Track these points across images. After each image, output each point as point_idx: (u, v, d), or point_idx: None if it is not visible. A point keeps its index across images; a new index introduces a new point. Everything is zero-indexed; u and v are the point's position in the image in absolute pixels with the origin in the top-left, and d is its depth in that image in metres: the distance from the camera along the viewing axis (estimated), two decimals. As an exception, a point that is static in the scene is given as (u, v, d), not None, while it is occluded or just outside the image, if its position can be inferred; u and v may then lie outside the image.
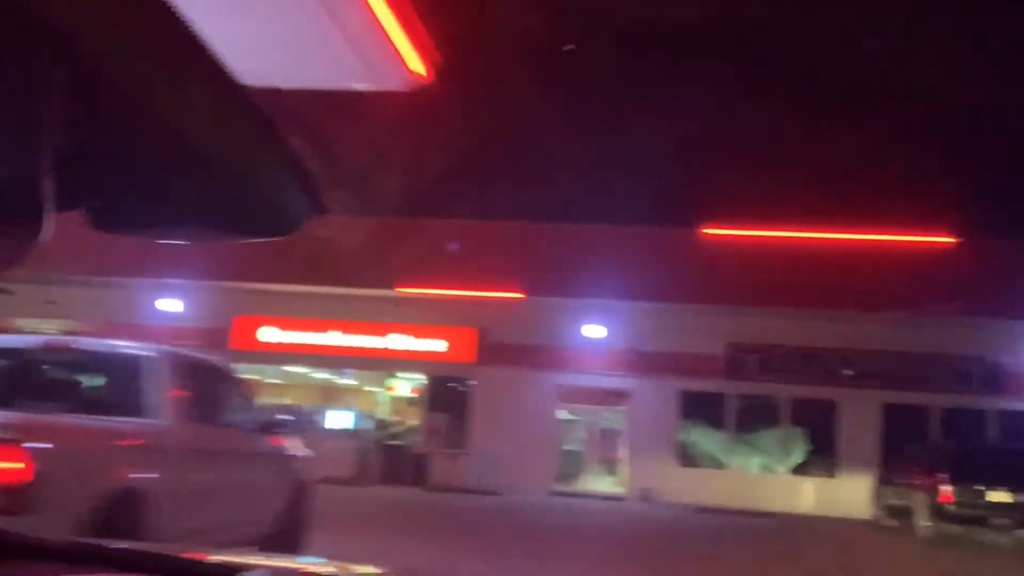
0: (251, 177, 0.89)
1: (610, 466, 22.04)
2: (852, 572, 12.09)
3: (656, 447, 21.41)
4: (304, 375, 24.36)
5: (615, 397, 21.91)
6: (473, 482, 21.28)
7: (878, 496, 18.90)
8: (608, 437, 21.69)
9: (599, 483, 22.03)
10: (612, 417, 22.59)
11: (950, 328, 20.44)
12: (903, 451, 18.45)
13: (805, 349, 21.12)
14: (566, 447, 21.93)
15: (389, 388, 23.17)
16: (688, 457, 21.40)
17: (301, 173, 0.92)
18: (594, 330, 21.72)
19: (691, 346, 21.54)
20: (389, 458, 21.74)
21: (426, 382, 22.78)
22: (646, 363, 21.62)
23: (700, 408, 21.66)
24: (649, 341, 21.82)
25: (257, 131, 0.87)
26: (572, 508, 18.88)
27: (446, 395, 22.74)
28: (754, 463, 21.40)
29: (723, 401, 21.38)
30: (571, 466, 21.88)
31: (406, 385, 23.11)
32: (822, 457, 21.04)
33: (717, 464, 21.36)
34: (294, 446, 8.57)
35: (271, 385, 23.88)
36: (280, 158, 0.90)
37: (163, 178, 0.87)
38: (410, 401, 23.68)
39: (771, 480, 21.00)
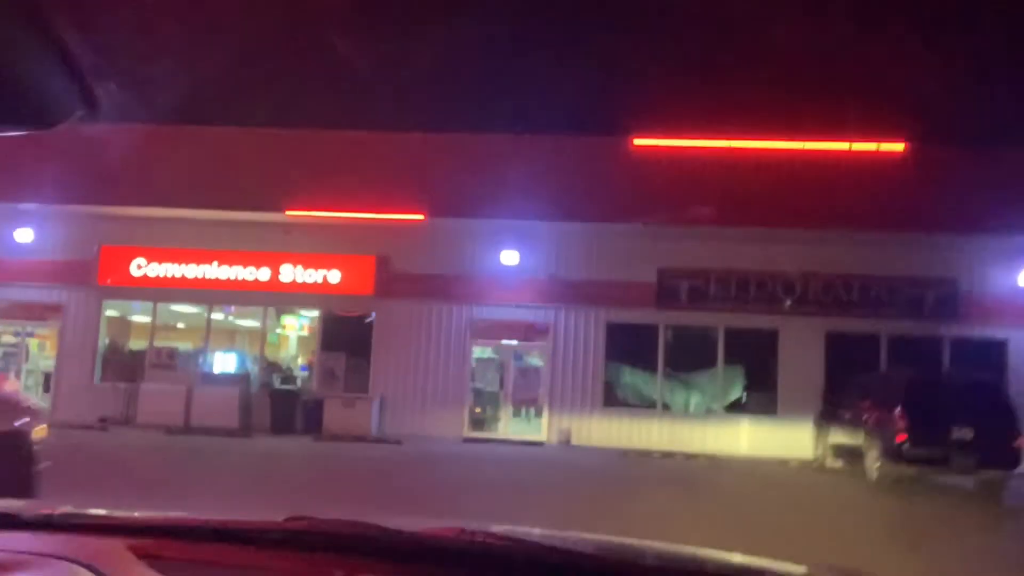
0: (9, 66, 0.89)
1: (529, 408, 19.75)
2: (798, 517, 9.95)
3: (580, 387, 19.15)
4: (190, 314, 21.46)
5: (534, 332, 19.54)
6: (373, 429, 18.83)
7: (821, 435, 16.95)
8: (526, 376, 19.38)
9: (516, 427, 19.75)
10: (531, 354, 20.27)
11: (900, 247, 18.40)
12: (850, 384, 16.45)
13: (742, 273, 18.92)
14: (479, 388, 19.55)
15: (283, 327, 20.45)
16: (615, 397, 19.17)
17: (68, 67, 0.91)
18: (510, 256, 19.22)
19: (618, 273, 19.22)
20: (279, 405, 19.11)
21: (319, 319, 20.09)
22: (568, 293, 19.24)
23: (628, 343, 19.41)
24: (571, 268, 19.43)
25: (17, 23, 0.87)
26: (481, 455, 16.56)
27: (343, 333, 20.12)
28: (688, 402, 19.29)
29: (654, 334, 19.14)
30: (485, 409, 19.53)
31: (299, 323, 20.39)
32: (762, 394, 19.01)
33: (648, 404, 19.19)
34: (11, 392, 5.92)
35: (147, 326, 20.95)
36: (44, 51, 0.89)
37: None
38: (305, 341, 21.01)
39: (706, 421, 18.91)
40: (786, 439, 18.38)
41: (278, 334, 20.64)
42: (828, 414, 16.90)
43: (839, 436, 15.99)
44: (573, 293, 19.25)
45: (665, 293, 19.02)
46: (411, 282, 19.41)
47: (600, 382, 19.14)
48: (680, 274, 19.04)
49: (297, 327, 20.23)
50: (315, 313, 20.13)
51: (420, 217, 18.52)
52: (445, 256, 19.56)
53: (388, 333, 19.67)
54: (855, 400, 15.71)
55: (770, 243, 18.63)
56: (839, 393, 16.85)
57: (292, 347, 21.44)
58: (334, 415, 18.74)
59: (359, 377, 19.65)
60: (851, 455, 15.30)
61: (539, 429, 19.36)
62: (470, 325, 19.58)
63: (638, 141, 18.14)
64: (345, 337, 20.03)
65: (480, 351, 20.07)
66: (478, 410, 19.52)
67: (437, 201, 18.55)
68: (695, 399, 19.14)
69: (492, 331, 19.65)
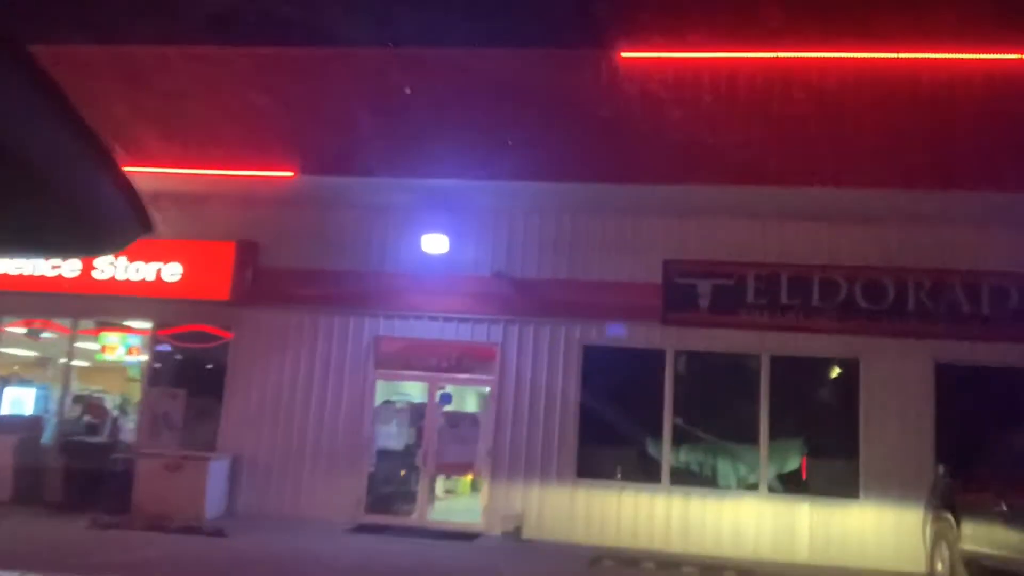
0: (80, 196, 0.88)
1: (460, 479, 12.79)
2: None
3: (540, 446, 12.11)
4: None
5: (471, 359, 12.63)
6: (213, 507, 11.93)
7: (939, 533, 9.79)
8: (458, 429, 12.36)
9: (441, 509, 12.78)
10: (466, 395, 13.36)
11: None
12: (992, 448, 9.41)
13: (798, 269, 11.90)
14: (386, 447, 12.59)
15: (104, 349, 13.75)
16: (595, 464, 12.06)
17: (129, 192, 0.90)
18: (435, 243, 12.43)
19: (602, 268, 12.34)
20: (76, 465, 12.34)
21: (150, 338, 13.35)
22: (524, 299, 12.37)
23: (617, 378, 12.40)
24: (529, 261, 12.59)
25: (86, 151, 0.86)
26: (372, 562, 9.67)
27: (185, 359, 13.37)
28: (713, 474, 12.09)
29: (657, 364, 12.10)
30: (393, 479, 12.53)
31: (126, 343, 13.63)
32: (832, 462, 11.81)
33: (647, 476, 12.01)
34: None
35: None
36: (108, 178, 0.89)
37: None
38: (131, 370, 14.26)
39: (740, 505, 11.70)
40: (875, 539, 11.18)
41: (99, 359, 13.92)
42: (949, 498, 9.76)
43: (977, 538, 8.89)
44: (532, 300, 12.37)
45: (675, 299, 12.05)
46: (286, 282, 12.69)
47: (572, 439, 12.08)
48: (699, 269, 12.06)
49: (122, 349, 13.54)
50: (148, 326, 13.40)
51: (289, 174, 11.86)
52: (337, 243, 12.85)
53: (250, 360, 12.87)
54: (1003, 476, 8.70)
55: (844, 218, 11.67)
56: (970, 463, 9.75)
57: (115, 378, 14.67)
58: (151, 484, 11.87)
59: (206, 426, 12.82)
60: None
61: (475, 512, 12.32)
62: (373, 348, 12.72)
63: (628, 54, 11.42)
64: (187, 365, 13.28)
65: (388, 389, 13.18)
66: (383, 480, 12.51)
67: (318, 150, 11.91)
68: (723, 469, 11.94)
69: (407, 358, 12.77)
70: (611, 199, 11.92)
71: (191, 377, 13.18)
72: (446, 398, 12.90)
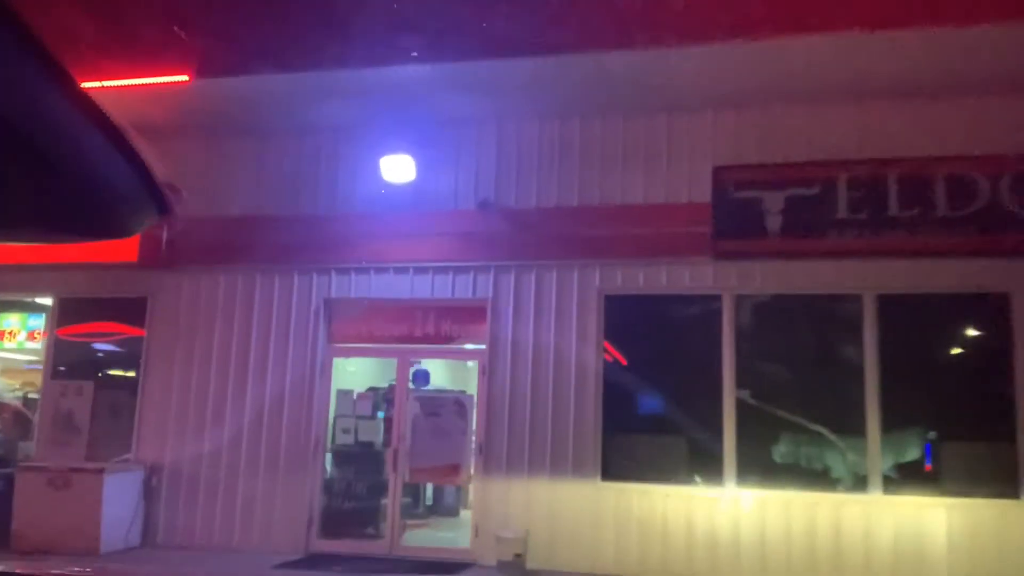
0: (97, 178, 0.86)
1: (442, 489, 9.45)
2: None
3: (549, 440, 8.62)
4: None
5: (454, 324, 9.22)
6: (113, 535, 8.88)
7: None
8: (438, 419, 8.95)
9: (417, 532, 9.46)
10: (448, 373, 10.00)
11: None
12: None
13: (913, 164, 8.10)
14: (344, 447, 9.30)
15: (1, 335, 10.86)
16: (624, 462, 8.49)
17: (144, 173, 0.88)
18: (398, 168, 9.10)
19: (625, 187, 8.81)
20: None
21: (50, 315, 10.37)
22: (523, 237, 8.94)
23: (653, 336, 8.80)
24: (526, 186, 9.13)
25: (101, 134, 0.84)
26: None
27: (91, 346, 10.33)
28: (801, 468, 8.31)
29: (710, 316, 8.47)
30: (355, 493, 9.21)
31: (27, 325, 10.68)
32: (978, 447, 7.97)
33: (702, 475, 8.37)
34: None
35: None
36: (122, 158, 0.87)
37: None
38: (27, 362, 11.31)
39: (836, 509, 7.95)
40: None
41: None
42: None
43: None
44: (532, 237, 8.92)
45: (732, 221, 8.39)
46: (209, 235, 9.51)
47: (593, 427, 8.55)
48: (764, 176, 8.37)
49: (23, 334, 10.64)
50: (48, 302, 10.44)
51: (183, 79, 8.66)
52: (269, 181, 9.65)
53: (170, 340, 9.76)
54: None
55: (987, 87, 7.84)
56: None
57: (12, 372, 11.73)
58: (33, 507, 8.87)
59: (120, 428, 9.79)
60: None
61: (462, 534, 8.93)
62: (324, 315, 9.44)
63: None
64: (94, 352, 10.27)
65: (348, 369, 9.89)
66: (342, 495, 9.22)
67: (218, 39, 8.68)
68: (814, 461, 8.21)
69: (368, 326, 9.45)
70: (635, 85, 8.35)
71: (100, 367, 10.17)
72: (421, 377, 9.54)
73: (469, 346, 9.14)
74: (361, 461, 9.15)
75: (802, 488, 8.07)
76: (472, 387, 9.15)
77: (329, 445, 9.25)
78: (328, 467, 9.21)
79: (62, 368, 10.13)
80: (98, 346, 10.17)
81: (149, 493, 9.38)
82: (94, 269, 9.76)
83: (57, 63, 0.80)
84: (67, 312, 10.22)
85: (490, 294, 9.00)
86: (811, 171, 8.25)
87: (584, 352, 8.65)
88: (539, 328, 8.82)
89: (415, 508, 10.18)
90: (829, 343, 8.35)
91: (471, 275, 9.08)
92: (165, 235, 9.61)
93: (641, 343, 8.75)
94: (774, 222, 8.25)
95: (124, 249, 9.60)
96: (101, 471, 8.91)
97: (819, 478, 8.14)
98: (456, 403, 9.05)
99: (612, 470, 8.46)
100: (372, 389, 9.73)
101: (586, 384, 8.60)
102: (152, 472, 9.43)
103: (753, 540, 8.04)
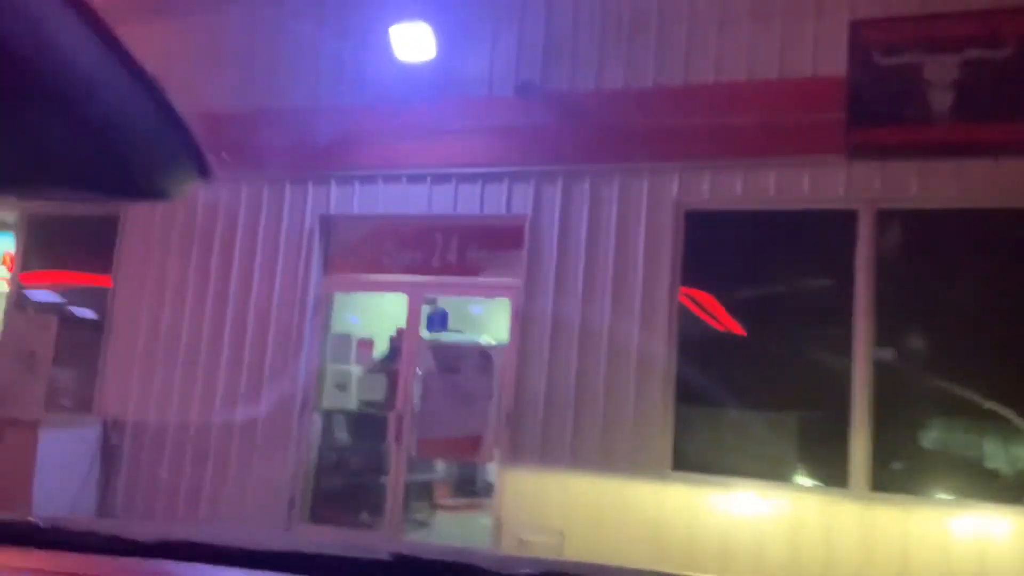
0: (135, 136, 0.81)
1: (459, 468, 7.21)
2: None
3: (597, 412, 6.20)
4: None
5: (482, 250, 6.89)
6: (59, 502, 7.10)
7: None
8: (457, 377, 6.66)
9: (455, 513, 7.26)
10: (471, 317, 7.74)
11: None
12: None
13: None
14: (336, 409, 7.17)
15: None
16: (704, 446, 5.99)
17: (184, 134, 0.82)
18: (413, 41, 6.82)
19: (719, 60, 6.22)
20: None
21: (18, 234, 8.66)
22: (575, 131, 6.51)
23: (753, 270, 6.21)
24: (582, 63, 6.65)
25: (140, 89, 0.79)
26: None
27: (57, 274, 8.56)
28: (969, 462, 5.59)
29: (835, 241, 5.84)
30: (348, 469, 7.08)
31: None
32: None
33: (819, 471, 5.78)
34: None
35: None
36: (166, 118, 0.81)
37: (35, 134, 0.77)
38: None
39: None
40: None
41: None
42: None
43: None
44: (587, 132, 6.48)
45: (875, 102, 5.68)
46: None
47: (662, 394, 6.07)
48: (926, 31, 5.62)
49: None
50: (12, 218, 8.72)
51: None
52: (252, 66, 7.55)
53: (139, 267, 7.87)
54: None
55: None
56: None
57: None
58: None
59: (85, 372, 8.01)
60: None
61: (482, 529, 6.65)
62: (319, 236, 7.29)
63: None
64: (60, 283, 8.50)
65: (347, 305, 7.72)
66: (331, 471, 7.09)
67: None
68: (995, 457, 5.49)
69: (375, 251, 7.24)
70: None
71: (68, 298, 8.41)
72: (438, 320, 7.27)
73: (499, 279, 6.79)
74: (359, 427, 7.00)
75: (970, 496, 5.37)
76: (497, 337, 6.84)
77: (319, 405, 7.12)
78: (318, 433, 7.08)
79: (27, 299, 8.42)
80: (64, 277, 8.39)
81: (109, 454, 7.56)
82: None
83: (96, 16, 0.74)
84: (34, 230, 8.48)
85: (529, 210, 6.63)
86: (999, 23, 5.45)
87: (654, 290, 6.18)
88: (593, 256, 6.39)
89: (470, 485, 7.99)
90: (1022, 283, 5.55)
91: (505, 184, 6.73)
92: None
93: (735, 280, 6.19)
94: (941, 100, 5.51)
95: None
96: (35, 425, 7.10)
97: (995, 483, 5.43)
98: (481, 356, 6.74)
99: (686, 458, 5.98)
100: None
101: (655, 336, 6.13)
102: (112, 429, 7.59)
103: (890, 567, 5.41)
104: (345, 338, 7.29)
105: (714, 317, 6.15)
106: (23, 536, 1.38)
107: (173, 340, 7.56)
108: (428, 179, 6.97)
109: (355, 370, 7.15)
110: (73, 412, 7.78)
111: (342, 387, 7.10)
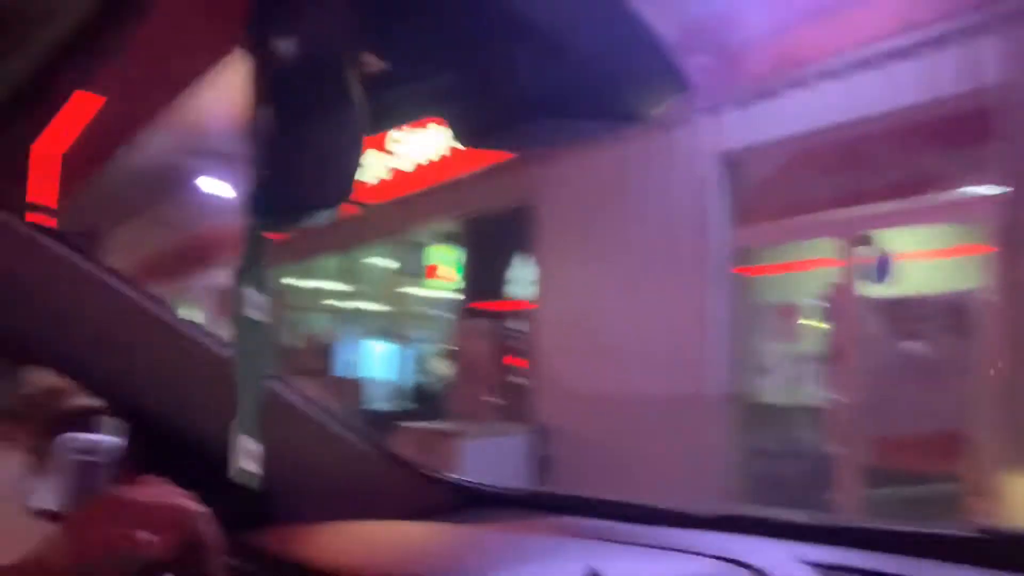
0: (609, 52, 0.68)
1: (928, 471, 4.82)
2: None
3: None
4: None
5: (934, 157, 4.62)
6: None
7: None
8: (921, 348, 4.46)
9: None
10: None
11: None
12: None
13: None
14: (754, 401, 5.41)
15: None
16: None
17: (653, 42, 0.68)
18: None
19: None
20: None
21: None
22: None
23: None
24: None
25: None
26: None
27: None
28: None
29: None
30: (774, 492, 5.27)
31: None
32: None
33: None
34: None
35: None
36: (635, 27, 0.68)
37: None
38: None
39: None
40: None
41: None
42: None
43: None
44: None
45: None
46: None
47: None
48: None
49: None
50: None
51: None
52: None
53: (559, 254, 7.12)
54: None
55: None
56: None
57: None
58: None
59: (514, 381, 7.53)
60: None
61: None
62: (728, 180, 5.66)
63: None
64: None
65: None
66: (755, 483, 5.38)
67: None
68: None
69: (797, 186, 5.36)
70: None
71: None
72: (881, 270, 5.04)
73: (962, 194, 4.47)
74: (785, 422, 5.22)
75: None
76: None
77: (743, 395, 5.48)
78: (740, 434, 5.45)
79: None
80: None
81: (542, 464, 6.89)
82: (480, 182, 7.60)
83: None
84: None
85: (996, 79, 4.23)
86: None
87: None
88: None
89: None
90: None
91: (951, 51, 4.41)
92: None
93: None
94: None
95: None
96: (457, 436, 6.70)
97: None
98: (951, 312, 4.48)
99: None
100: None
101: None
102: (544, 437, 6.92)
103: None
104: (761, 309, 5.56)
105: None
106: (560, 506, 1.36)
107: (594, 337, 6.60)
108: (852, 65, 4.92)
109: (775, 348, 5.38)
110: (505, 421, 7.34)
111: (763, 371, 5.38)
